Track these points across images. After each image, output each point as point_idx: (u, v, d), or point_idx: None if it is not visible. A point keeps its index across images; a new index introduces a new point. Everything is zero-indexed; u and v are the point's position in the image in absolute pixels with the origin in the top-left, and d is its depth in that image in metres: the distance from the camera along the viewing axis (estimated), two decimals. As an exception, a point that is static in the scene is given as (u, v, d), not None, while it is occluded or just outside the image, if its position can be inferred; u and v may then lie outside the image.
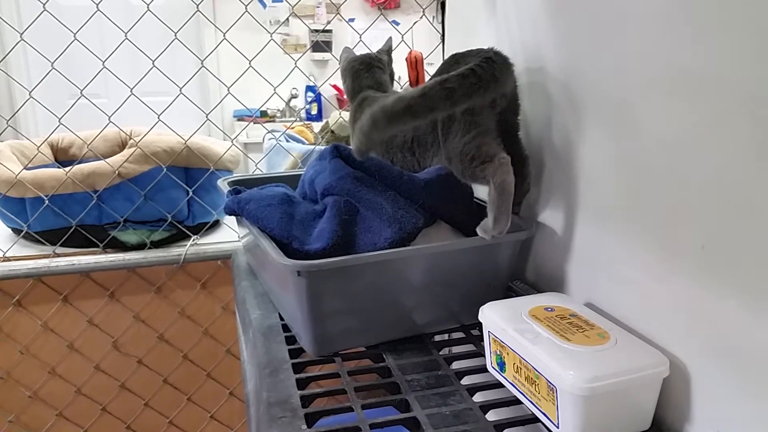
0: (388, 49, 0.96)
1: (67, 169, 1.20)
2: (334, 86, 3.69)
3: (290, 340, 0.71)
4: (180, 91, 1.21)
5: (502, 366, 0.61)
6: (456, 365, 0.67)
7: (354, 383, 0.63)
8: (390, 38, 0.99)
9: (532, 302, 0.64)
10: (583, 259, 0.70)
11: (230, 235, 1.33)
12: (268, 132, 1.57)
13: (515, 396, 0.60)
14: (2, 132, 1.31)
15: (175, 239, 1.31)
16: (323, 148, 0.79)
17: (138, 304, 1.28)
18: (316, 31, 3.69)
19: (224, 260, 1.28)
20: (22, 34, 1.14)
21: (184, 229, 1.29)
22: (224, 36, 1.22)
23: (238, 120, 3.72)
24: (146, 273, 1.27)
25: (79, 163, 1.24)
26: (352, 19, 3.67)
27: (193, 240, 1.30)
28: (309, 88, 3.82)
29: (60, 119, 1.18)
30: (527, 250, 0.82)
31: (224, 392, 1.38)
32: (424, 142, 0.77)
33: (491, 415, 0.58)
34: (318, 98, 3.79)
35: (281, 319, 0.76)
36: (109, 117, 1.21)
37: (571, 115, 0.70)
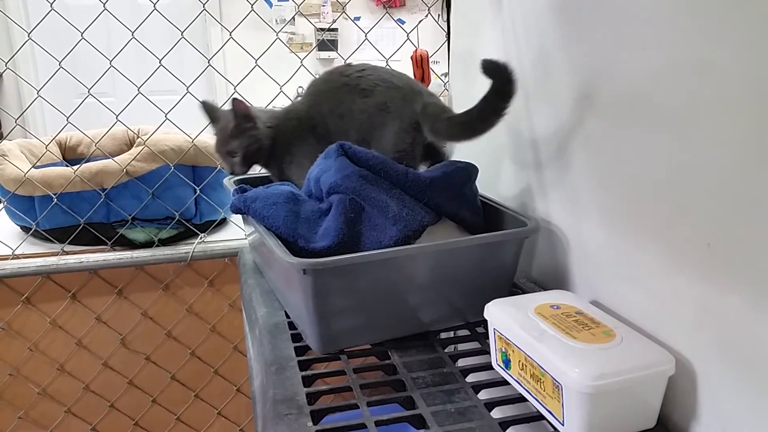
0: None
1: (76, 167, 1.20)
2: (340, 84, 3.69)
3: (296, 337, 0.71)
4: (187, 90, 1.21)
5: (507, 363, 0.61)
6: (461, 363, 0.67)
7: (359, 380, 0.63)
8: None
9: (538, 300, 0.64)
10: (589, 256, 0.70)
11: (237, 232, 1.34)
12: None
13: (520, 393, 0.60)
14: (11, 131, 1.32)
15: (182, 237, 1.31)
16: (329, 146, 0.79)
17: (146, 301, 1.29)
18: (322, 29, 3.68)
19: (231, 258, 1.29)
20: (29, 33, 1.15)
21: (191, 227, 1.29)
22: (230, 35, 1.23)
23: (245, 118, 3.73)
24: (154, 270, 1.28)
25: (87, 161, 1.24)
26: (357, 18, 3.66)
27: (201, 238, 1.30)
28: (315, 87, 3.82)
29: (68, 118, 1.19)
30: (532, 248, 0.82)
31: (231, 389, 1.39)
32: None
33: (496, 413, 0.58)
34: (324, 97, 3.78)
35: (287, 316, 0.76)
36: (117, 116, 1.22)
37: (577, 114, 0.70)
